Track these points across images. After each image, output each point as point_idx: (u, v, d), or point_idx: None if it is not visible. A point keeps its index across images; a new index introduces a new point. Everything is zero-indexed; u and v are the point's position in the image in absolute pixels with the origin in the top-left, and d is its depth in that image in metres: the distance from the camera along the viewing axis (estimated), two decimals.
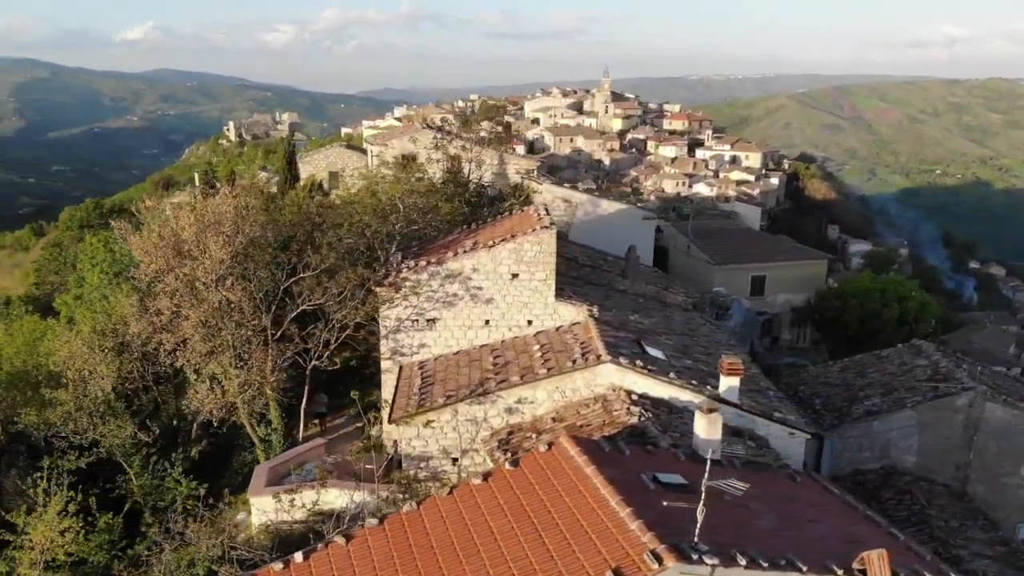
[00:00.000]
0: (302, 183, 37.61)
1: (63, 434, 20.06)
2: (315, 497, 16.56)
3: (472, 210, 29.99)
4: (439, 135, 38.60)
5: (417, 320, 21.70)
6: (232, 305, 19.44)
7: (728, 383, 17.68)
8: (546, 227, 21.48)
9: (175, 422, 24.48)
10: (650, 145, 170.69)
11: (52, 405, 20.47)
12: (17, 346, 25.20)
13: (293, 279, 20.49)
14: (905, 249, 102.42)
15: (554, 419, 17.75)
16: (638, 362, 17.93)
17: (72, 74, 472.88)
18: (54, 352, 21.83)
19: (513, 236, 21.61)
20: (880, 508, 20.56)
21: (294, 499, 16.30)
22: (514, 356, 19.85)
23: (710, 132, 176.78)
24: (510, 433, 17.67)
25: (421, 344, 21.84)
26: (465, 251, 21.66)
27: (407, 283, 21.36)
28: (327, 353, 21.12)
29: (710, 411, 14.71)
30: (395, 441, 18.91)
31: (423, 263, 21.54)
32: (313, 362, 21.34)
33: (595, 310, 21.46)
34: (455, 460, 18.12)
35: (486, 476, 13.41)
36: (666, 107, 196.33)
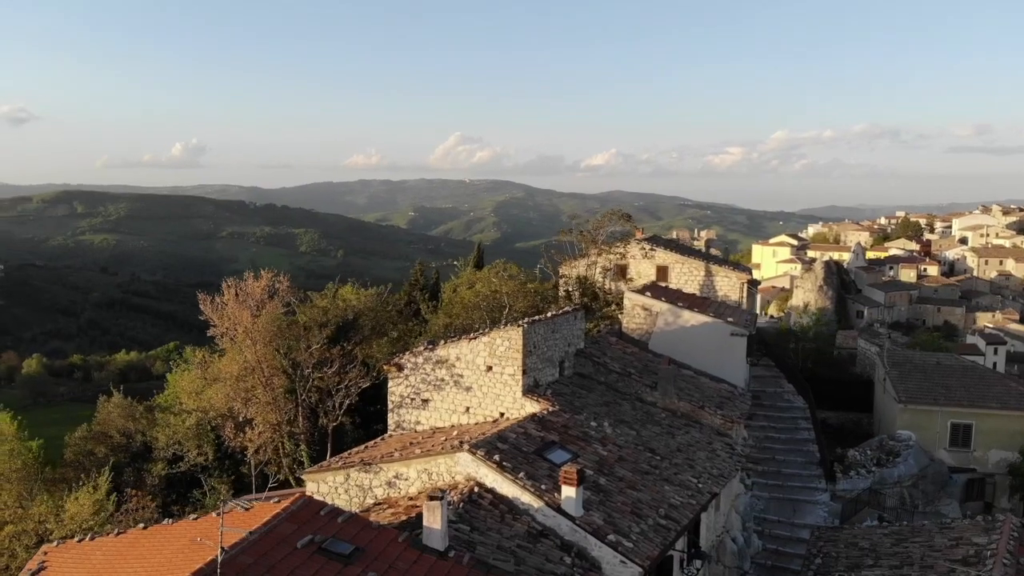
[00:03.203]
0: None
1: (159, 447, 26.81)
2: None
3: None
4: (647, 245, 40.38)
5: (414, 399, 24.13)
6: (259, 365, 24.33)
7: (565, 492, 16.88)
8: (517, 326, 22.53)
9: None
10: None
11: (164, 427, 27.49)
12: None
13: (307, 352, 24.71)
14: None
15: (410, 498, 18.74)
16: (496, 457, 18.07)
17: (542, 195, 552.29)
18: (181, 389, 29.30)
19: (489, 331, 23.02)
20: None
21: None
22: (440, 438, 21.12)
23: None
24: (376, 504, 19.13)
25: (417, 421, 24.14)
26: (454, 341, 23.63)
27: (408, 364, 24.08)
28: (339, 415, 24.68)
29: (432, 499, 14.86)
30: None
31: (421, 348, 24.04)
32: (332, 423, 25.04)
33: (549, 409, 21.58)
34: None
35: (198, 516, 15.96)
36: None
